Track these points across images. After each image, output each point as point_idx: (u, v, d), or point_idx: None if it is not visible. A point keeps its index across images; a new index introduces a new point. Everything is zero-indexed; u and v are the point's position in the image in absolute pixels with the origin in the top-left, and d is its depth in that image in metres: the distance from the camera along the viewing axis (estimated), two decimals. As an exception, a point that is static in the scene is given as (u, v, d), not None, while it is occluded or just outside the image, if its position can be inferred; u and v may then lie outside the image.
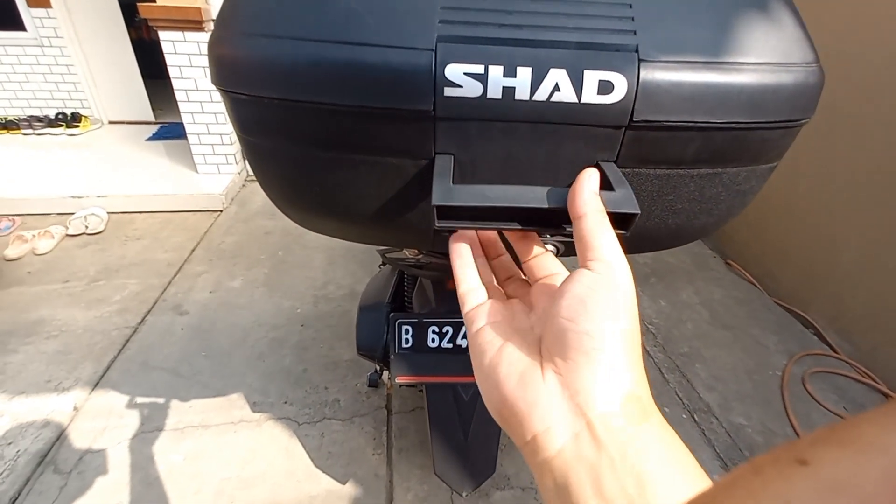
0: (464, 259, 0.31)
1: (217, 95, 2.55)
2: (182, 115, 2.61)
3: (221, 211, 2.60)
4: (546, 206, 0.30)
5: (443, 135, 0.32)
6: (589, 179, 0.28)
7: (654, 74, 0.30)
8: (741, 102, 0.31)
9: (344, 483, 1.20)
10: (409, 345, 0.78)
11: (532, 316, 0.29)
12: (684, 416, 1.41)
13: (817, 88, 0.33)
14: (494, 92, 0.30)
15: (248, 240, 2.33)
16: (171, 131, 3.44)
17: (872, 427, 0.13)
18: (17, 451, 1.26)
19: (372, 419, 1.37)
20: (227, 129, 2.66)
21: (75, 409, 1.39)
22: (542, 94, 0.30)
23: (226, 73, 0.34)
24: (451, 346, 0.78)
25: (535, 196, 0.30)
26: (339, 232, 0.43)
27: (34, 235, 2.22)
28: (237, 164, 2.79)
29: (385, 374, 1.31)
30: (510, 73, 0.30)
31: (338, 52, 0.30)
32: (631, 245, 0.41)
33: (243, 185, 2.91)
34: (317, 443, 1.30)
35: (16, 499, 1.15)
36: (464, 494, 0.91)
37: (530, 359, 0.26)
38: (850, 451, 0.12)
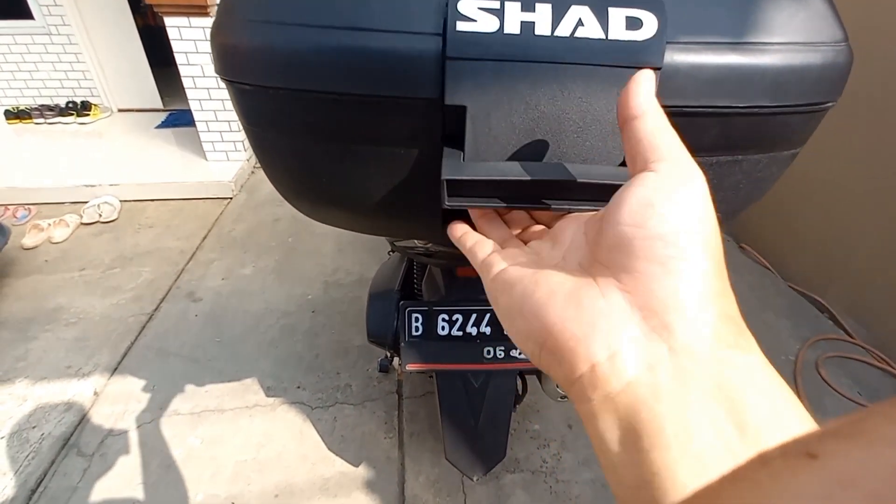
0: (463, 227, 0.30)
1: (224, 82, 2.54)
2: (190, 102, 2.61)
3: (231, 198, 2.62)
4: (566, 178, 0.27)
5: (454, 82, 0.29)
6: (645, 79, 0.23)
7: (675, 57, 0.28)
8: (764, 86, 0.30)
9: (357, 466, 1.22)
10: (419, 333, 0.78)
11: (559, 247, 0.25)
12: (695, 401, 1.41)
13: (845, 69, 0.32)
14: (512, 26, 0.27)
15: (257, 227, 2.34)
16: (179, 118, 3.45)
17: (884, 420, 0.12)
18: (42, 435, 1.30)
19: (383, 404, 1.39)
20: (235, 115, 2.65)
21: (95, 394, 1.43)
22: (564, 30, 0.27)
23: (228, 62, 0.33)
24: (460, 333, 0.78)
25: (553, 170, 0.28)
26: (347, 223, 0.43)
27: (50, 224, 2.26)
28: (245, 150, 2.80)
29: (395, 360, 1.32)
30: (528, 7, 0.27)
31: (343, 38, 0.29)
32: None
33: (252, 173, 2.91)
34: (329, 427, 1.33)
35: (41, 480, 1.19)
36: (474, 479, 0.92)
37: (578, 277, 0.21)
38: (861, 444, 0.12)
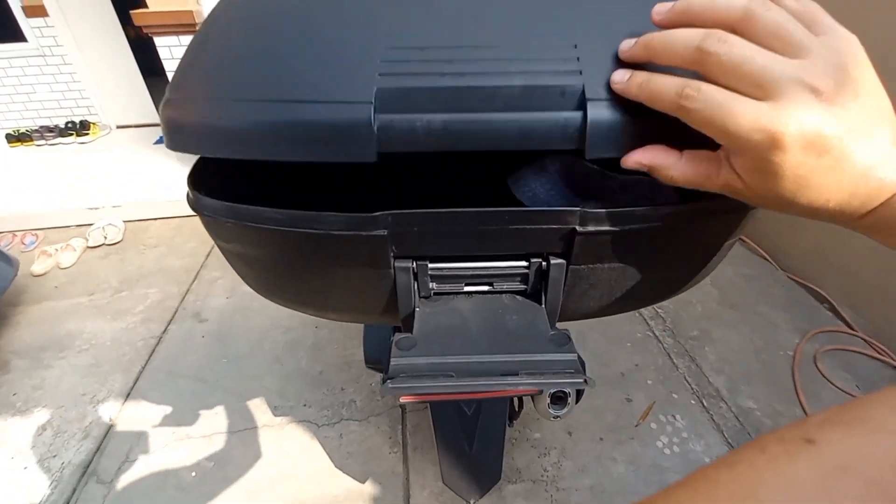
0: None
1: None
2: (185, 119, 2.63)
3: (232, 212, 2.65)
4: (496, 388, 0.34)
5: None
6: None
7: (603, 112, 0.30)
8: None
9: (363, 482, 1.26)
10: None
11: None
12: (693, 401, 1.43)
13: None
14: (435, 131, 0.30)
15: (259, 241, 2.38)
16: (177, 132, 3.48)
17: (881, 407, 0.13)
18: (62, 463, 1.36)
19: (387, 418, 1.43)
20: (230, 130, 2.68)
21: (111, 420, 1.49)
22: (487, 129, 0.30)
23: (173, 136, 0.35)
24: None
25: (490, 368, 0.34)
26: (314, 315, 0.46)
27: (57, 249, 2.31)
28: (243, 164, 2.82)
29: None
30: (452, 114, 0.30)
31: (277, 111, 0.31)
32: (611, 307, 0.42)
33: (251, 184, 2.94)
34: (336, 443, 1.37)
35: (65, 507, 1.25)
36: (471, 502, 0.95)
37: None
38: (858, 431, 0.12)
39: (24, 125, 3.58)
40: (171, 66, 2.44)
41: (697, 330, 1.68)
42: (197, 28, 2.30)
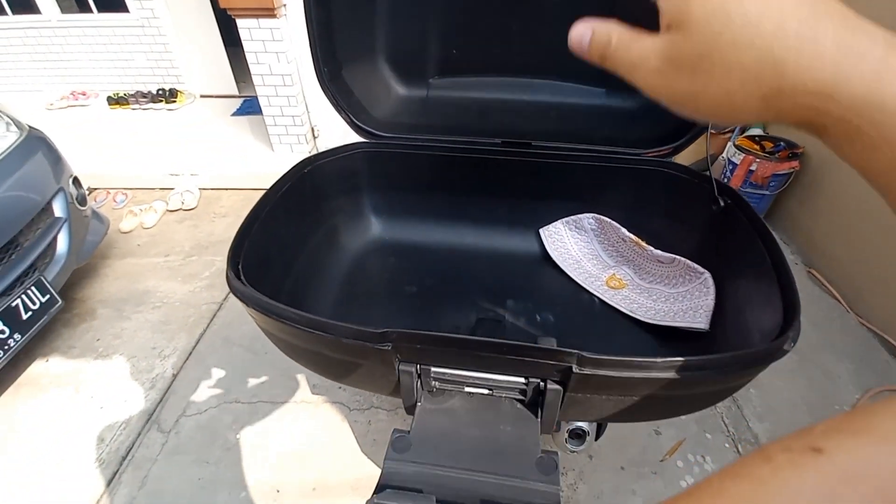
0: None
1: (289, 79, 2.67)
2: (259, 98, 2.78)
3: (294, 190, 2.79)
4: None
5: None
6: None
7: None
8: None
9: (385, 471, 1.34)
10: None
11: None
12: (727, 444, 1.38)
13: None
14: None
15: (316, 221, 2.50)
16: (252, 106, 3.67)
17: (888, 416, 0.12)
18: (132, 408, 1.55)
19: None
20: (299, 110, 2.80)
21: (173, 375, 1.67)
22: None
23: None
24: None
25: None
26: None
27: (142, 210, 2.56)
28: (308, 143, 2.95)
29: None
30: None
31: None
32: (611, 419, 0.43)
33: (314, 163, 3.07)
34: (364, 429, 1.46)
35: (130, 448, 1.43)
36: None
37: None
38: (866, 440, 0.12)
39: (122, 89, 3.93)
40: (249, 48, 2.57)
41: (745, 368, 1.59)
42: (275, 12, 2.40)
